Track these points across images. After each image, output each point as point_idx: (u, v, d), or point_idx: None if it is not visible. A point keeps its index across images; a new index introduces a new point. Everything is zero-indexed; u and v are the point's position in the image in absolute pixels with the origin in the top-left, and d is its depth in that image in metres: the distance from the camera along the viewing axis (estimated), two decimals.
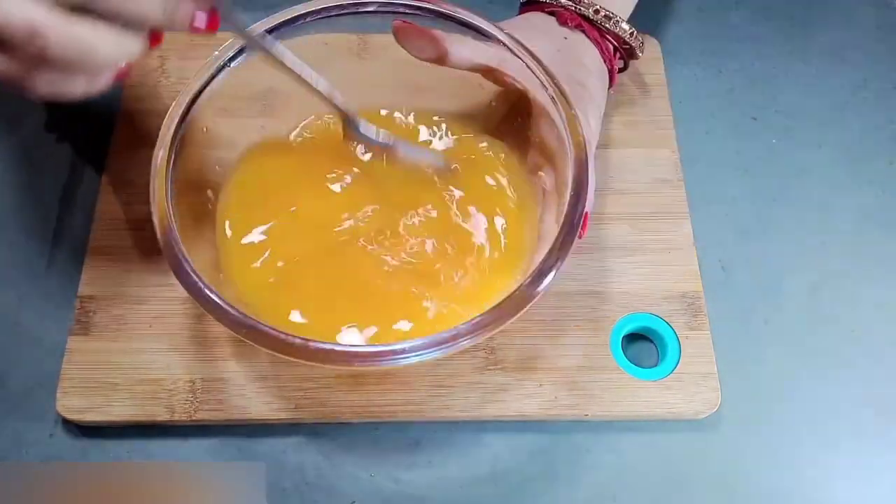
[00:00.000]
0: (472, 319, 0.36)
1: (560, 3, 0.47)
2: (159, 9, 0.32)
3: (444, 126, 0.48)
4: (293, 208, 0.44)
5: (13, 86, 0.32)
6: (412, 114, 0.48)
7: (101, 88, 0.34)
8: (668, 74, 0.55)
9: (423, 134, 0.48)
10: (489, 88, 0.46)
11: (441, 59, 0.43)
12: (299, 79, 0.40)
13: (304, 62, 0.40)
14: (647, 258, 0.48)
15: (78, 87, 0.33)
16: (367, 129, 0.43)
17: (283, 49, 0.39)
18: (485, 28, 0.43)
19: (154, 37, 0.34)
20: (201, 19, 0.34)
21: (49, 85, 0.33)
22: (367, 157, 0.45)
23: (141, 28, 0.33)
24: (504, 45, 0.43)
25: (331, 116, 0.47)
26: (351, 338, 0.40)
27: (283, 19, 0.43)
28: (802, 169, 0.54)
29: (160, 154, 0.39)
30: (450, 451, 0.44)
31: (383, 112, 0.48)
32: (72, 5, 0.31)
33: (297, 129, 0.47)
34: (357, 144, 0.44)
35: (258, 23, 0.42)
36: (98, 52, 0.32)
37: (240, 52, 0.42)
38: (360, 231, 0.43)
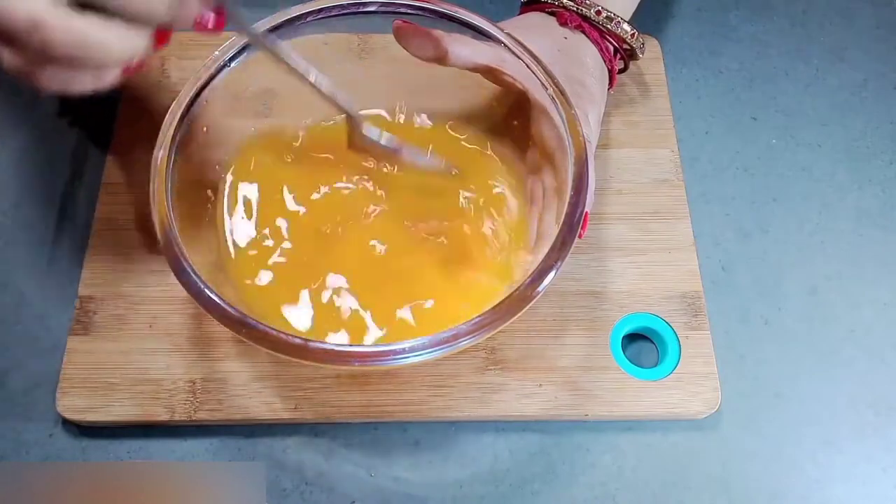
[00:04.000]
0: (472, 319, 0.36)
1: (561, 3, 0.47)
2: (164, 6, 0.32)
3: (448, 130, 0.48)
4: (298, 209, 0.44)
5: (23, 80, 0.32)
6: (423, 115, 0.48)
7: (108, 84, 0.34)
8: (668, 74, 0.55)
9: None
10: (489, 88, 0.46)
11: (441, 58, 0.43)
12: (304, 79, 0.40)
13: (308, 63, 0.40)
14: (647, 258, 0.48)
15: (85, 83, 0.33)
16: (371, 130, 0.43)
17: (288, 50, 0.39)
18: (485, 28, 0.43)
19: (161, 35, 0.34)
20: (209, 18, 0.34)
21: (56, 80, 0.33)
22: (370, 163, 0.45)
23: (146, 25, 0.33)
24: (504, 45, 0.43)
25: (331, 121, 0.47)
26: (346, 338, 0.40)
27: (283, 19, 0.43)
28: (802, 169, 0.54)
29: (160, 154, 0.39)
30: (450, 451, 0.44)
31: (392, 117, 0.48)
32: (76, 1, 0.31)
33: (300, 133, 0.47)
34: (361, 149, 0.44)
35: (259, 22, 0.43)
36: (102, 49, 0.32)
37: (240, 52, 0.42)
38: (363, 231, 0.43)
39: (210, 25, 0.35)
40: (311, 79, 0.40)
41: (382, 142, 0.44)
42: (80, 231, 0.48)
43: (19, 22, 0.30)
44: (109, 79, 0.34)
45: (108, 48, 0.32)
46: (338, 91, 0.41)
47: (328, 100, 0.41)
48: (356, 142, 0.44)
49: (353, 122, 0.43)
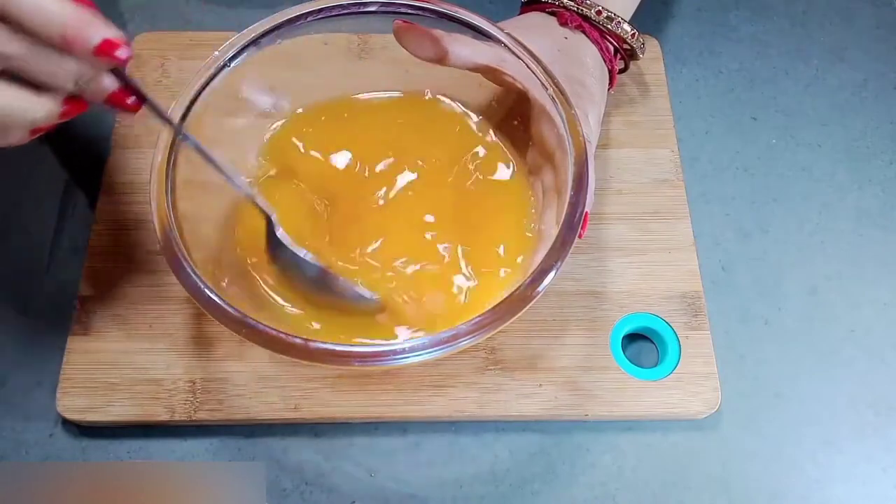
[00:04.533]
0: (472, 319, 0.36)
1: (561, 3, 0.47)
2: (71, 78, 0.32)
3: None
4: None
5: None
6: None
7: (13, 144, 0.34)
8: (668, 74, 0.55)
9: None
10: (489, 88, 0.46)
11: (441, 58, 0.43)
12: (228, 178, 0.39)
13: (234, 169, 0.39)
14: (647, 258, 0.48)
15: None
16: (286, 237, 0.41)
17: (201, 145, 0.38)
18: (485, 28, 0.43)
19: (76, 103, 0.34)
20: (125, 98, 0.34)
21: None
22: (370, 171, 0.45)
23: (53, 95, 0.33)
24: (504, 45, 0.43)
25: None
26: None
27: (283, 19, 0.43)
28: (802, 169, 0.54)
29: (159, 154, 0.39)
30: (450, 451, 0.44)
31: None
32: None
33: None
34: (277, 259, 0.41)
35: (258, 22, 0.43)
36: (4, 111, 0.32)
37: (240, 52, 0.42)
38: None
39: (125, 105, 0.34)
40: (229, 174, 0.39)
41: (300, 254, 0.40)
42: (80, 231, 0.48)
43: None
44: (15, 139, 0.34)
45: (11, 111, 0.32)
46: (258, 195, 0.40)
47: (249, 200, 0.40)
48: (273, 250, 0.41)
49: (270, 227, 0.40)
